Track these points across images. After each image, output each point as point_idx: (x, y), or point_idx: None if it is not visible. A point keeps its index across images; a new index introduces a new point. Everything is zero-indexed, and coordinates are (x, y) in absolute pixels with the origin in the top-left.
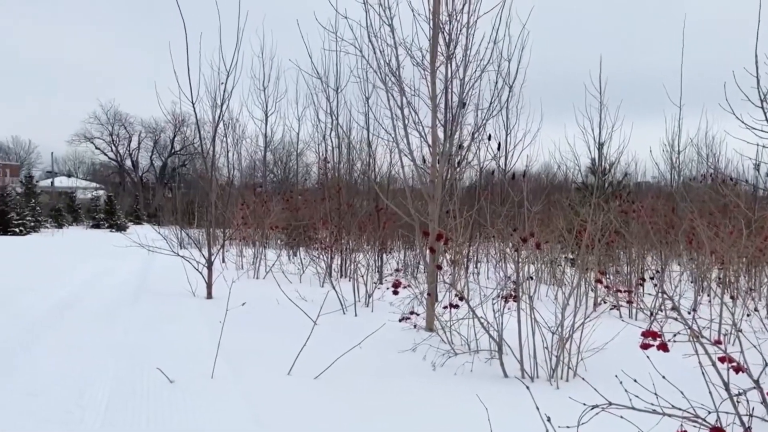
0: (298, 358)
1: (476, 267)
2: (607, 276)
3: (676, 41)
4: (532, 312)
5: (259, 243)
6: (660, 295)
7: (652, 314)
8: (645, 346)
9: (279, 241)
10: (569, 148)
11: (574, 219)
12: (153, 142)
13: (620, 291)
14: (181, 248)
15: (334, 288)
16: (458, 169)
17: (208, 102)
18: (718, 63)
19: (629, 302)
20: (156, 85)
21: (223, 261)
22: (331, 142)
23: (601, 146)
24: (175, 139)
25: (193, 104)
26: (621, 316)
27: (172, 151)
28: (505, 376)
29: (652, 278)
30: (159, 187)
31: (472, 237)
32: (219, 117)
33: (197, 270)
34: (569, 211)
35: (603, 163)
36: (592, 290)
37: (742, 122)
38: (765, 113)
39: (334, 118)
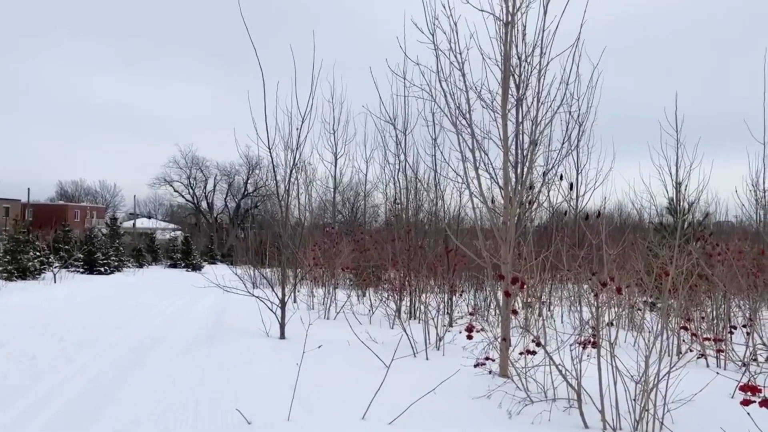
0: (372, 402)
1: (550, 311)
2: (693, 322)
3: (758, 75)
4: (613, 359)
5: (330, 283)
6: (752, 344)
7: (744, 365)
8: (746, 403)
9: (348, 282)
10: (644, 187)
11: (653, 261)
12: (227, 184)
13: (708, 339)
14: (254, 288)
15: (404, 330)
16: (530, 211)
17: (281, 145)
18: None
19: (719, 351)
20: (234, 131)
21: (295, 301)
22: (399, 182)
23: (678, 185)
24: (249, 181)
25: (270, 149)
26: (708, 366)
27: (245, 193)
28: (586, 426)
29: (744, 326)
30: (232, 228)
31: (545, 280)
32: (294, 162)
33: (270, 310)
34: (648, 252)
35: (682, 203)
36: (677, 338)
37: None
38: None
39: (402, 159)
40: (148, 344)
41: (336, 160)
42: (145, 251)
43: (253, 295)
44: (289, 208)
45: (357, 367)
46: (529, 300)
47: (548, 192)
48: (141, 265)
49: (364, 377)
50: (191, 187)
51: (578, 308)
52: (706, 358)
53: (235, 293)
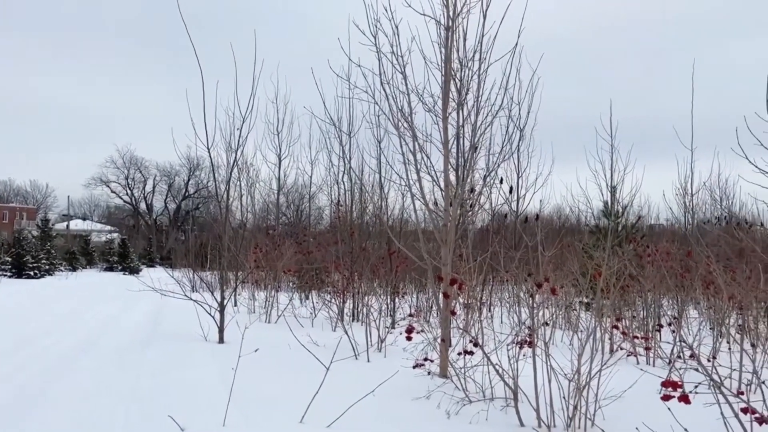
0: (311, 405)
1: (490, 311)
2: (623, 321)
3: (687, 85)
4: (548, 358)
5: (271, 286)
6: (678, 342)
7: (670, 362)
8: (666, 398)
9: (291, 285)
10: (581, 191)
11: (588, 263)
12: (167, 185)
13: (637, 337)
14: (193, 291)
15: (346, 333)
16: (471, 213)
17: (222, 146)
18: (729, 107)
19: (647, 349)
20: (173, 131)
21: (235, 305)
22: (344, 185)
23: (613, 189)
24: (190, 182)
25: (209, 149)
26: (638, 363)
27: (186, 194)
28: (521, 425)
29: (669, 324)
30: (172, 230)
31: (486, 281)
32: (234, 162)
33: (209, 314)
34: (583, 254)
35: (616, 206)
36: (608, 336)
37: (756, 166)
38: None
39: (346, 161)
40: (78, 351)
41: (280, 161)
42: (79, 254)
43: (191, 299)
44: (229, 210)
45: (297, 371)
46: (469, 301)
47: (489, 195)
48: (74, 269)
49: (304, 380)
50: (129, 188)
51: (517, 309)
52: (636, 356)
53: (173, 297)
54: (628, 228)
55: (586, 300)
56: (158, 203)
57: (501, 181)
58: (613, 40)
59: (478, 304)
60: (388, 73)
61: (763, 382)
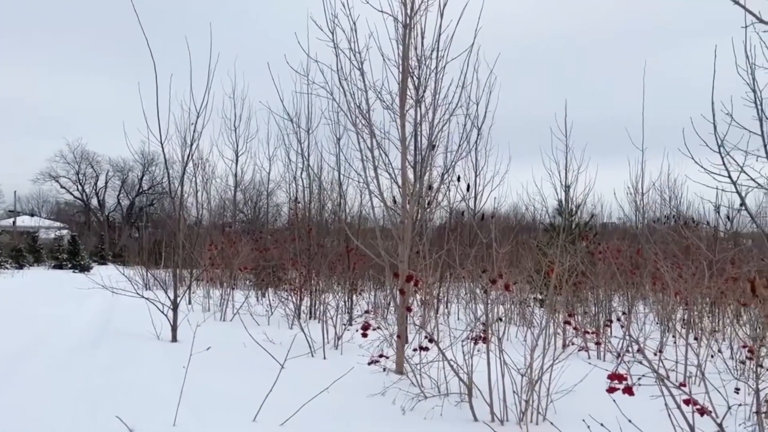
0: (264, 404)
1: (447, 308)
2: (576, 317)
3: (639, 87)
4: (501, 354)
5: (227, 284)
6: (627, 337)
7: (619, 356)
8: (611, 390)
9: (248, 282)
10: (537, 189)
11: (542, 260)
12: (120, 181)
13: (588, 332)
14: (146, 289)
15: (302, 330)
16: (428, 210)
17: (177, 141)
18: (678, 109)
19: (597, 344)
20: (124, 125)
21: (190, 303)
22: (302, 182)
23: (567, 188)
24: (144, 178)
25: (162, 144)
26: (589, 358)
27: (140, 190)
28: (475, 419)
29: (618, 319)
30: (125, 227)
31: (443, 278)
32: (188, 157)
33: (162, 312)
34: (537, 251)
35: (570, 205)
36: (561, 331)
37: (701, 167)
38: (722, 158)
39: (305, 158)
40: (23, 352)
41: (237, 157)
42: (26, 251)
43: (144, 297)
44: (184, 206)
45: (251, 369)
46: (426, 298)
47: (446, 192)
48: (21, 267)
49: (259, 379)
50: (80, 184)
51: (473, 305)
52: (587, 351)
53: (125, 295)
54: (581, 226)
55: (540, 296)
56: (111, 199)
57: (459, 179)
58: (572, 42)
59: (435, 300)
60: (346, 70)
61: (703, 374)
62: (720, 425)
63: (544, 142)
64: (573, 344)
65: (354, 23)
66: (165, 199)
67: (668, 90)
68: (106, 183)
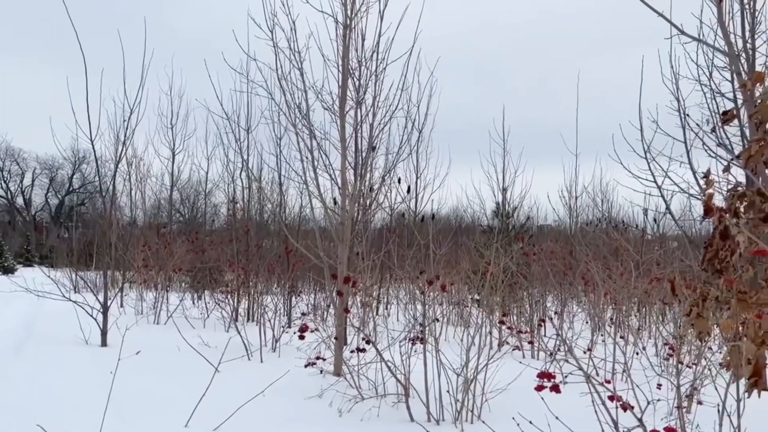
0: (197, 409)
1: (387, 309)
2: (511, 317)
3: (574, 94)
4: (437, 354)
5: (162, 286)
6: (558, 336)
7: (551, 355)
8: (539, 388)
9: (183, 285)
10: (475, 192)
11: (479, 261)
12: (49, 179)
13: (521, 332)
14: (75, 293)
15: (239, 333)
16: (368, 212)
17: (111, 139)
18: (611, 115)
19: (530, 343)
20: (51, 121)
21: (122, 306)
22: (241, 182)
23: (504, 191)
24: (74, 176)
25: (92, 141)
26: (524, 357)
27: (71, 189)
28: (412, 420)
29: (551, 319)
30: (54, 227)
31: (382, 279)
32: (121, 154)
33: (91, 316)
34: (475, 253)
35: (507, 207)
36: (496, 331)
37: (630, 172)
38: (648, 164)
39: (243, 158)
40: None
41: (174, 156)
42: None
43: (71, 300)
44: (117, 206)
45: (185, 373)
46: (365, 299)
47: (387, 194)
48: None
49: (192, 383)
50: (4, 182)
51: (412, 306)
52: (522, 350)
53: (51, 299)
54: (517, 228)
55: (477, 297)
56: (38, 198)
57: (399, 181)
58: (512, 48)
59: (375, 302)
60: (286, 69)
61: (624, 371)
62: (640, 420)
63: (483, 145)
64: (507, 344)
65: (293, 22)
66: (97, 198)
67: (602, 97)
68: (33, 181)
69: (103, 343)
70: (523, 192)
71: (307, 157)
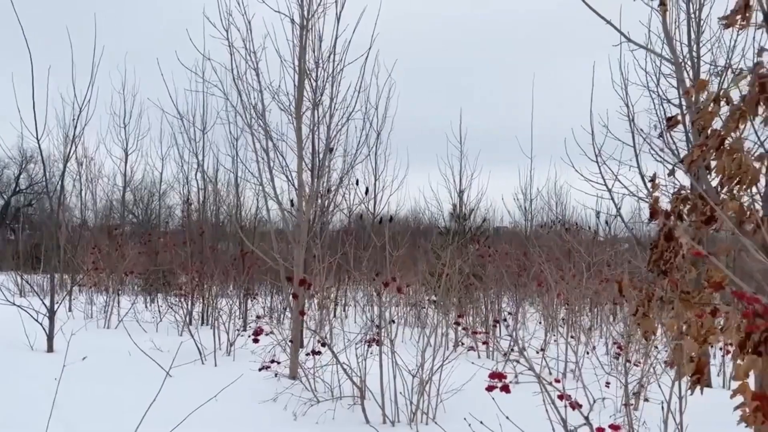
0: (147, 414)
1: (344, 311)
2: (467, 318)
3: (529, 98)
4: (393, 356)
5: (113, 290)
6: (513, 336)
7: (505, 355)
8: (490, 388)
9: (136, 288)
10: (433, 194)
11: (435, 262)
12: None
13: (476, 332)
14: (21, 296)
15: (192, 337)
16: (326, 213)
17: (60, 138)
18: (566, 119)
19: (485, 343)
20: None
21: (70, 310)
22: (197, 183)
23: (461, 193)
24: (21, 176)
25: (38, 140)
26: (479, 357)
27: (17, 189)
28: (367, 422)
29: (504, 320)
30: None
31: (340, 281)
32: (69, 154)
33: (36, 321)
34: (432, 254)
35: (463, 209)
36: (452, 332)
37: (581, 175)
38: (599, 167)
39: (198, 159)
40: None
41: (127, 156)
42: None
43: (14, 304)
44: (64, 206)
45: (135, 379)
46: (323, 302)
47: (344, 195)
48: None
49: (143, 389)
50: None
51: (370, 308)
52: (477, 351)
53: None
54: (473, 230)
55: (434, 298)
56: None
57: (357, 182)
58: (471, 50)
59: (333, 304)
60: (242, 69)
61: (572, 371)
62: (586, 418)
63: (441, 148)
64: (462, 344)
65: (249, 22)
66: (44, 199)
67: (557, 101)
68: None
69: (50, 349)
70: (480, 194)
71: (263, 158)
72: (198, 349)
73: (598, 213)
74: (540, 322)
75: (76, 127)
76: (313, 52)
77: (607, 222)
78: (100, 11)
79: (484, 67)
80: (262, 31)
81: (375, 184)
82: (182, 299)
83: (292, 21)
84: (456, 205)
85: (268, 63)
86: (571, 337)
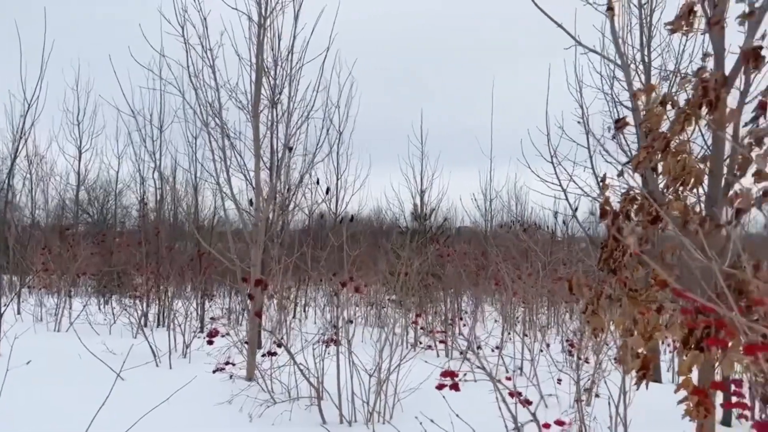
0: (96, 418)
1: (304, 312)
2: (427, 317)
3: (489, 99)
4: (350, 356)
5: (65, 291)
6: (473, 334)
7: (462, 353)
8: (440, 386)
9: (89, 289)
10: (395, 194)
11: (396, 262)
12: None
13: (434, 331)
14: None
15: (146, 339)
16: (285, 213)
17: (9, 135)
18: (525, 121)
19: (442, 342)
20: None
21: (18, 312)
22: (154, 182)
23: (422, 193)
24: None
25: None
26: (438, 356)
27: None
28: (324, 422)
29: (461, 318)
30: None
31: (300, 282)
32: (17, 151)
33: None
34: (392, 254)
35: (424, 209)
36: (411, 331)
37: (537, 176)
38: (554, 168)
39: (152, 158)
40: None
41: (80, 154)
42: None
43: None
44: (13, 205)
45: (85, 382)
46: (282, 302)
47: (304, 194)
48: None
49: (92, 392)
50: None
51: (330, 309)
52: (436, 350)
53: None
54: (434, 230)
55: (395, 297)
56: None
57: (318, 182)
58: (434, 52)
59: (293, 305)
60: (197, 66)
61: (521, 369)
62: (533, 415)
63: (402, 149)
64: (420, 344)
65: (205, 19)
66: None
67: (518, 102)
68: None
69: None
70: (441, 194)
71: (219, 157)
72: (152, 351)
73: (556, 213)
74: (496, 321)
75: (24, 124)
76: (272, 50)
77: (564, 222)
78: (50, 5)
79: (447, 68)
80: (219, 28)
81: (337, 183)
82: (137, 301)
83: (250, 19)
84: (417, 205)
85: (225, 61)
86: (524, 335)
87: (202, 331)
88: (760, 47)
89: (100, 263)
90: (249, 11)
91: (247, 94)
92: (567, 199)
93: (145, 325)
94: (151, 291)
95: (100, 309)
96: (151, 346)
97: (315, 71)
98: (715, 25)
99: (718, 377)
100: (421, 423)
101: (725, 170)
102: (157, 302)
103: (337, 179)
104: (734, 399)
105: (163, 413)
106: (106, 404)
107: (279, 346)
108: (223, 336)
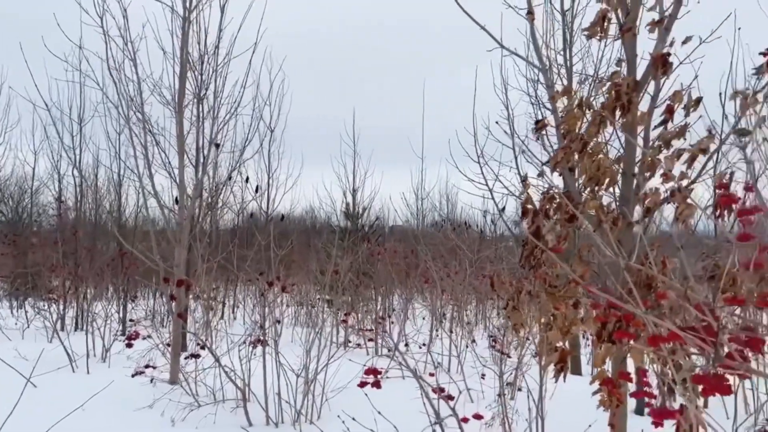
0: (4, 427)
1: (233, 312)
2: (358, 315)
3: (421, 100)
4: (277, 356)
5: None
6: (404, 332)
7: (390, 351)
8: (362, 384)
9: (1, 292)
10: (327, 193)
11: (327, 261)
12: None
13: (364, 330)
14: None
15: (62, 343)
16: (212, 212)
17: None
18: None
19: (371, 340)
20: None
21: None
22: (73, 179)
23: (354, 192)
24: None
25: None
26: (368, 354)
27: None
28: (250, 424)
29: (390, 317)
30: None
31: (228, 282)
32: None
33: None
34: (323, 253)
35: (357, 208)
36: (342, 330)
37: (465, 176)
38: (481, 168)
39: (68, 154)
40: None
41: None
42: None
43: None
44: None
45: None
46: (208, 303)
47: (232, 193)
48: None
49: (2, 400)
50: None
51: (260, 310)
52: (366, 348)
53: None
54: (367, 228)
55: (327, 297)
56: None
57: (247, 180)
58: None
59: (221, 306)
60: (119, 59)
61: (440, 365)
62: (453, 409)
63: (335, 148)
64: (350, 342)
65: (125, 10)
66: None
67: (450, 103)
68: None
69: None
70: (373, 193)
71: (142, 153)
72: (68, 355)
73: (485, 212)
74: (425, 318)
75: None
76: (198, 44)
77: (492, 221)
78: None
79: (379, 67)
80: (142, 20)
81: (268, 182)
82: (53, 303)
83: (174, 11)
84: (349, 204)
85: (149, 54)
86: (451, 332)
87: (123, 335)
88: (669, 54)
89: (12, 264)
90: (173, 3)
91: (171, 88)
92: (493, 198)
93: (62, 329)
94: (69, 293)
95: (12, 313)
96: (66, 350)
97: (244, 66)
98: (627, 32)
99: (631, 369)
100: (344, 422)
101: (636, 171)
102: (75, 305)
103: (269, 177)
104: (645, 389)
105: (78, 420)
106: (15, 412)
107: (203, 348)
108: (145, 338)
